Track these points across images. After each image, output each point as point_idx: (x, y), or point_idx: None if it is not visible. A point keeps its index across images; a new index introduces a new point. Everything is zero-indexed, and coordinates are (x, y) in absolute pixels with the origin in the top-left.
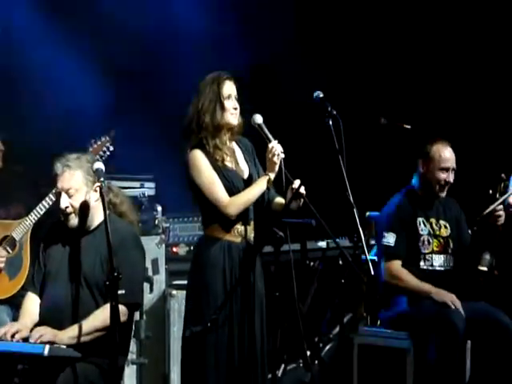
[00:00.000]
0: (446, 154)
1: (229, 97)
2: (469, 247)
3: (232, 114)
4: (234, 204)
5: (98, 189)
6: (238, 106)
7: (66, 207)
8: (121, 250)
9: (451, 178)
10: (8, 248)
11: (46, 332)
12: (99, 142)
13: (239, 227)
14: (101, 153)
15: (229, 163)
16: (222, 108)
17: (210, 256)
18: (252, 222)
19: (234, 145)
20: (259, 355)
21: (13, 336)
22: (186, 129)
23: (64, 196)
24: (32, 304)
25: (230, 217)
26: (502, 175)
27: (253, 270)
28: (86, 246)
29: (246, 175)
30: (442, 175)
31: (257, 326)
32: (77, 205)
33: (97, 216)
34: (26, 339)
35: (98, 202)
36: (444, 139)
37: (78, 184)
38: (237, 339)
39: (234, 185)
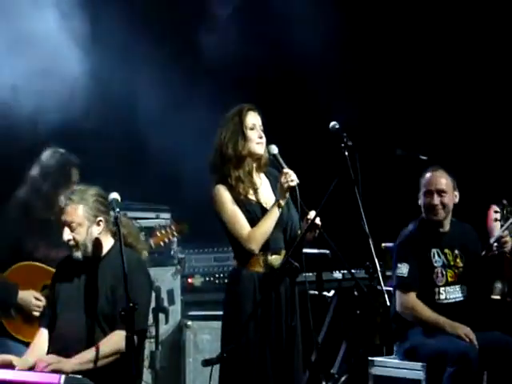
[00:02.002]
0: (428, 177)
1: (252, 127)
2: (480, 277)
3: (258, 144)
4: (253, 239)
5: (100, 223)
6: (263, 135)
7: (69, 240)
8: (127, 278)
9: (436, 200)
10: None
11: (51, 361)
12: (168, 230)
13: (268, 258)
14: (166, 240)
15: (252, 196)
16: (245, 138)
17: (239, 287)
18: (283, 251)
19: (263, 176)
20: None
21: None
22: (211, 163)
23: (66, 229)
24: (40, 339)
25: (252, 251)
26: (504, 201)
27: (281, 299)
28: (92, 277)
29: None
30: (427, 199)
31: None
32: (79, 238)
33: (102, 247)
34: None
35: (101, 235)
36: (437, 165)
37: (79, 218)
38: (270, 369)
39: (257, 217)
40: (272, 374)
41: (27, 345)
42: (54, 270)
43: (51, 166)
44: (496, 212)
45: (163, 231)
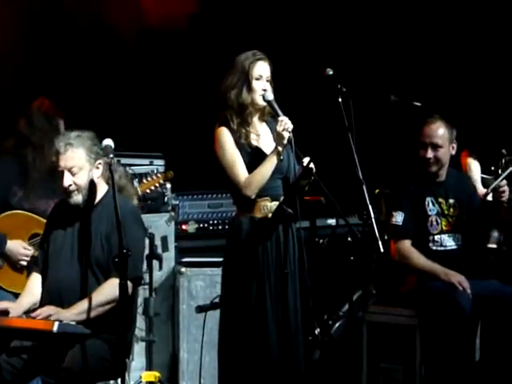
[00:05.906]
0: (425, 128)
1: (259, 78)
2: (476, 225)
3: (261, 95)
4: (250, 184)
5: (99, 166)
6: (268, 87)
7: (70, 185)
8: (121, 226)
9: (429, 154)
10: (35, 246)
11: (51, 312)
12: (154, 177)
13: (268, 204)
14: (152, 187)
15: (254, 141)
16: (249, 88)
17: (241, 233)
18: (282, 198)
19: (265, 125)
20: (294, 330)
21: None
22: (215, 103)
23: (67, 174)
24: (33, 284)
25: (248, 197)
26: (503, 151)
27: (284, 244)
28: (87, 224)
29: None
30: (422, 151)
31: (290, 300)
32: (80, 182)
33: (98, 192)
34: None
35: (99, 179)
36: (437, 116)
37: (81, 162)
38: (271, 314)
39: (257, 163)
40: (272, 321)
41: (15, 295)
42: (42, 219)
43: (39, 120)
44: (470, 157)
45: (149, 178)
